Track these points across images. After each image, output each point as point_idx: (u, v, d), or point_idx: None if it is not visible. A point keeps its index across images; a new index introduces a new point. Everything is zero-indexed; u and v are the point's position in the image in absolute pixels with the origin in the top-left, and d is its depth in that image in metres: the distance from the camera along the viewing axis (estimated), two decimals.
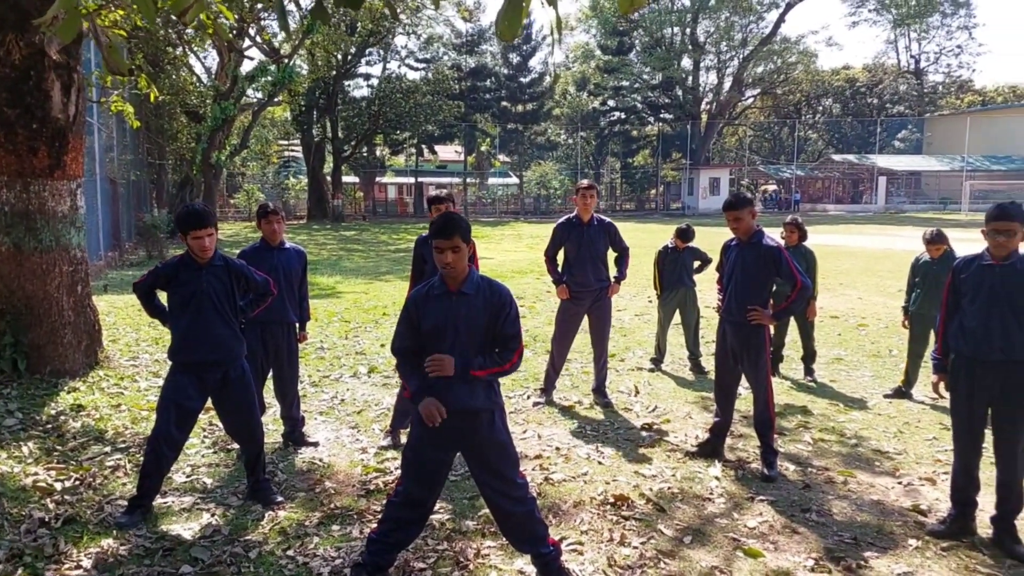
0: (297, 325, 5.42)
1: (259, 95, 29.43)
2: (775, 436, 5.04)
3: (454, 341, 3.24)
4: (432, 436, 3.30)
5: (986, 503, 4.06)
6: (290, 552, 3.75)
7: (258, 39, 29.30)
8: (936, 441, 5.58)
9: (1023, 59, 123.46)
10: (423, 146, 50.98)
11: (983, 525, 4.05)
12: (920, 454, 5.33)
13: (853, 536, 4.04)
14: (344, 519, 4.16)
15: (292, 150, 53.11)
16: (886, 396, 6.81)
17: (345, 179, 48.70)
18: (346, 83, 43.98)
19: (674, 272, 7.91)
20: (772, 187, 60.77)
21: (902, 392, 6.78)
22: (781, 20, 53.76)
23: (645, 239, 25.75)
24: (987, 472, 4.06)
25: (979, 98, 68.25)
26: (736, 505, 4.44)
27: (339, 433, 5.71)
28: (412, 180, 53.53)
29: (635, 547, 3.85)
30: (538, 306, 11.78)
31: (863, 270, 16.98)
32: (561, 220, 6.59)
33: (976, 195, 51.08)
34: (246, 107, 29.36)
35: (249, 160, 47.17)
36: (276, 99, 30.12)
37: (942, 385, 4.19)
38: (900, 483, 4.82)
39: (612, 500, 4.43)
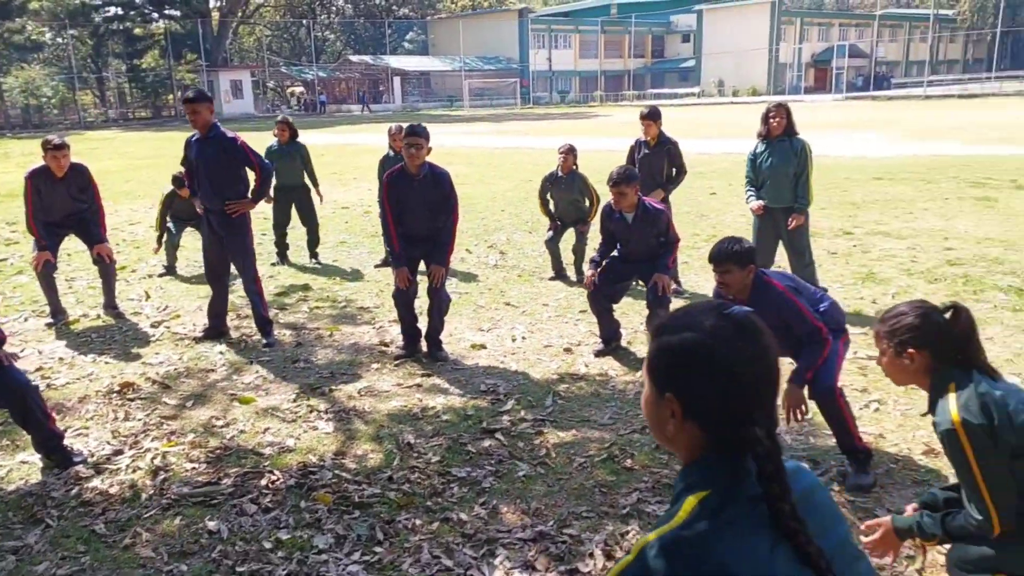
0: None
1: None
2: (266, 307, 5.81)
3: None
4: None
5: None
6: None
7: None
8: None
9: None
10: None
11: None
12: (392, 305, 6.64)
13: (331, 372, 5.06)
14: None
15: None
16: (376, 266, 8.12)
17: None
18: None
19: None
20: (300, 89, 61.17)
21: (387, 262, 8.14)
22: None
23: (164, 148, 24.37)
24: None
25: (471, 3, 76.64)
26: (236, 370, 5.15)
27: None
28: None
29: (139, 419, 4.33)
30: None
31: (373, 166, 18.68)
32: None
33: (475, 93, 58.36)
34: None
35: None
36: None
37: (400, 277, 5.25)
38: (374, 328, 6.04)
39: (118, 388, 4.77)
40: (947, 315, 2.25)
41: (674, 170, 6.83)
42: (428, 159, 5.08)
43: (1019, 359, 4.92)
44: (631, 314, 6.03)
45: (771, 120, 5.89)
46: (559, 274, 7.41)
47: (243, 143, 5.44)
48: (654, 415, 1.16)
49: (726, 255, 3.69)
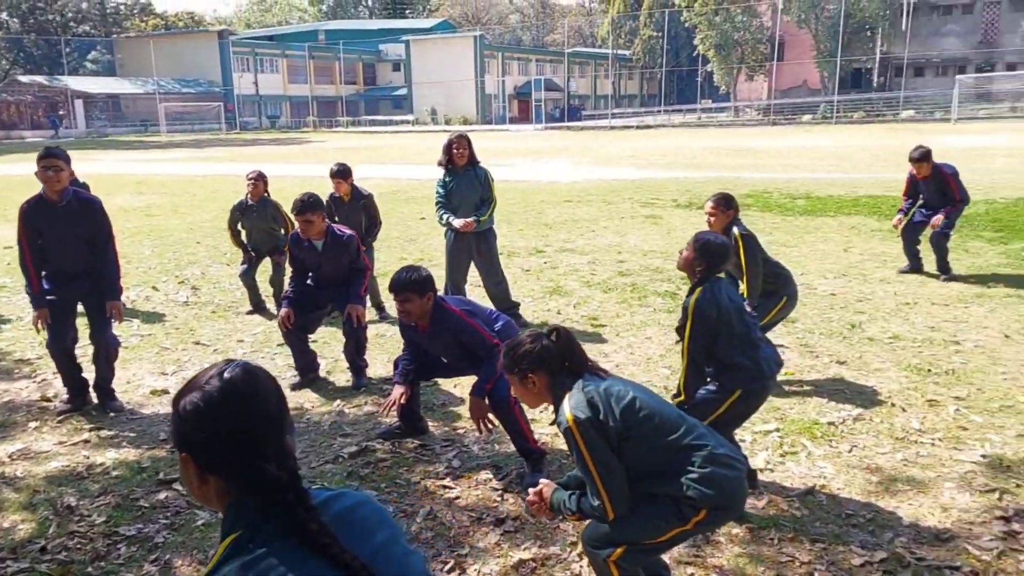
0: None
1: None
2: None
3: None
4: None
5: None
6: None
7: None
8: None
9: None
10: None
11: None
12: None
13: None
14: None
15: None
16: None
17: None
18: None
19: None
20: None
21: None
22: None
23: None
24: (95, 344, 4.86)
25: (163, 22, 71.43)
26: None
27: None
28: None
29: None
30: None
31: None
32: None
33: (173, 117, 54.24)
34: None
35: None
36: None
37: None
38: (35, 382, 5.32)
39: None
40: (551, 337, 2.55)
41: (370, 223, 6.78)
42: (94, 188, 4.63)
43: (670, 354, 5.65)
44: (332, 343, 5.97)
45: (454, 150, 6.17)
46: (257, 307, 7.12)
47: None
48: (184, 477, 1.23)
49: (404, 284, 3.81)
